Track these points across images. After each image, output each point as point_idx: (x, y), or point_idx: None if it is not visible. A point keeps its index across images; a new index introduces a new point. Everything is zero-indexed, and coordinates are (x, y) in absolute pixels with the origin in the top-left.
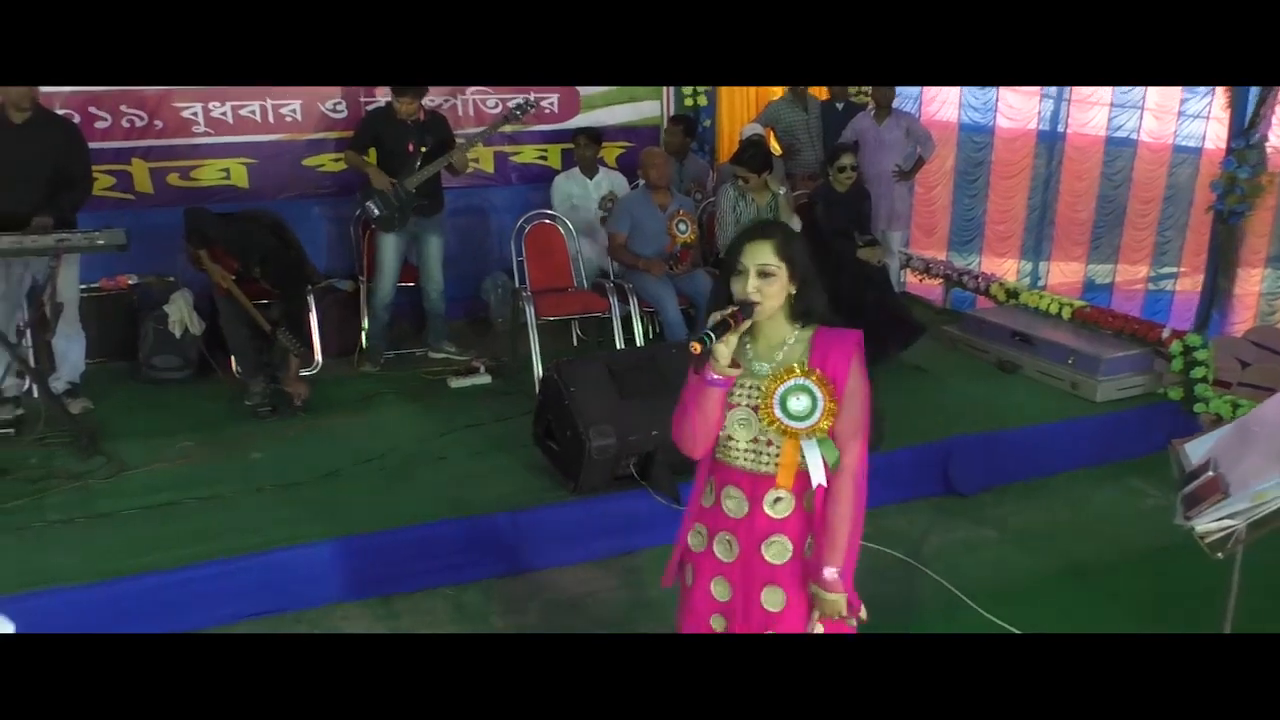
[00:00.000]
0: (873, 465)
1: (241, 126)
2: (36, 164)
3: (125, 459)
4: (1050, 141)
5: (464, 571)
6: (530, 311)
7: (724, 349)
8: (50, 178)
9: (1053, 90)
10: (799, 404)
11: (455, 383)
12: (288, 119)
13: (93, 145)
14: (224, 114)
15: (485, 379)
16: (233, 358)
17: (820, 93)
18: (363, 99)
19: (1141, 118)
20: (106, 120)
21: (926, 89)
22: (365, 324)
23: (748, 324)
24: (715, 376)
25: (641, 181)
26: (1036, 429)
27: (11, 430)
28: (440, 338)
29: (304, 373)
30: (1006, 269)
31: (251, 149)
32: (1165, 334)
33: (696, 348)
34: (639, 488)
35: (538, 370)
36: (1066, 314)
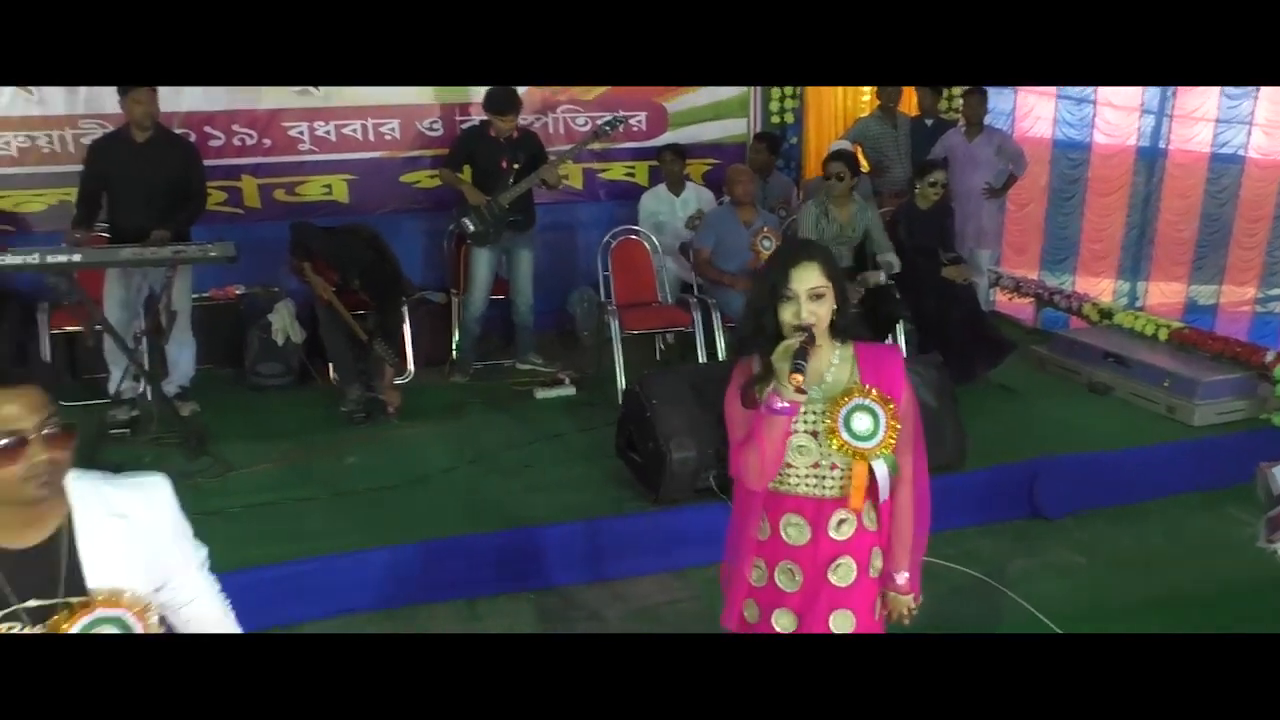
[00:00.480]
0: (956, 485)
1: (344, 145)
2: (157, 180)
3: (230, 460)
4: (1150, 158)
5: (547, 576)
6: (615, 325)
7: (799, 375)
8: (169, 193)
9: (1154, 105)
10: (863, 424)
11: (541, 394)
12: (387, 137)
13: (206, 162)
14: (328, 133)
15: (570, 390)
16: (331, 365)
17: (909, 109)
18: (458, 117)
19: (1250, 134)
20: (220, 139)
21: (1020, 104)
22: (456, 335)
23: (816, 349)
24: (783, 404)
25: (727, 198)
26: (1129, 453)
27: (127, 430)
28: (527, 350)
29: (397, 381)
30: (1102, 289)
31: (352, 166)
32: (1269, 357)
33: (799, 379)
34: (719, 500)
35: (621, 383)
36: (1163, 335)
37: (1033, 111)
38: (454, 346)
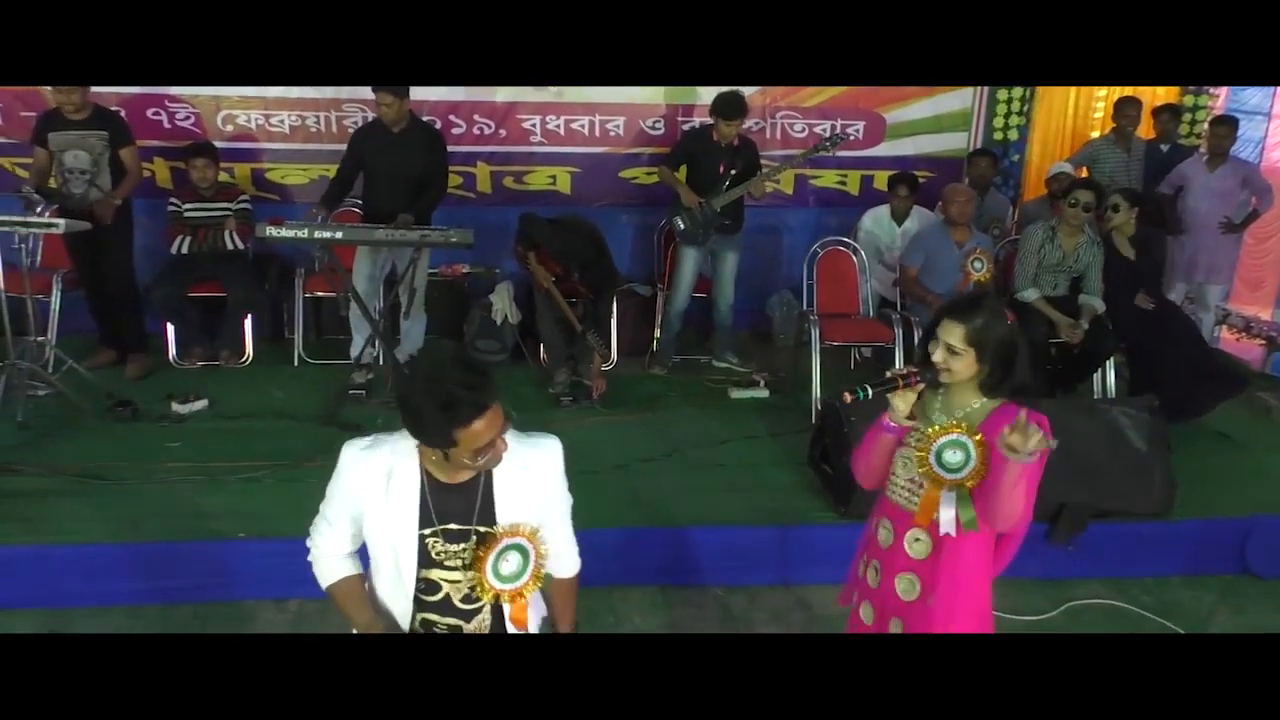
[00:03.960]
0: (1162, 533)
1: (571, 139)
2: (409, 168)
3: None
4: None
5: (734, 575)
6: (815, 334)
7: (900, 403)
8: (418, 180)
9: None
10: (954, 457)
11: (735, 394)
12: (611, 133)
13: (448, 148)
14: (558, 127)
15: (764, 393)
16: (542, 347)
17: (1146, 132)
18: (680, 118)
19: None
20: (461, 127)
21: (1272, 132)
22: (658, 329)
23: (920, 387)
24: (890, 424)
25: (941, 215)
26: None
27: (363, 392)
28: (725, 349)
29: (603, 368)
30: None
31: (577, 159)
32: None
33: (848, 398)
34: None
35: (816, 391)
36: None
37: None
38: (655, 339)
